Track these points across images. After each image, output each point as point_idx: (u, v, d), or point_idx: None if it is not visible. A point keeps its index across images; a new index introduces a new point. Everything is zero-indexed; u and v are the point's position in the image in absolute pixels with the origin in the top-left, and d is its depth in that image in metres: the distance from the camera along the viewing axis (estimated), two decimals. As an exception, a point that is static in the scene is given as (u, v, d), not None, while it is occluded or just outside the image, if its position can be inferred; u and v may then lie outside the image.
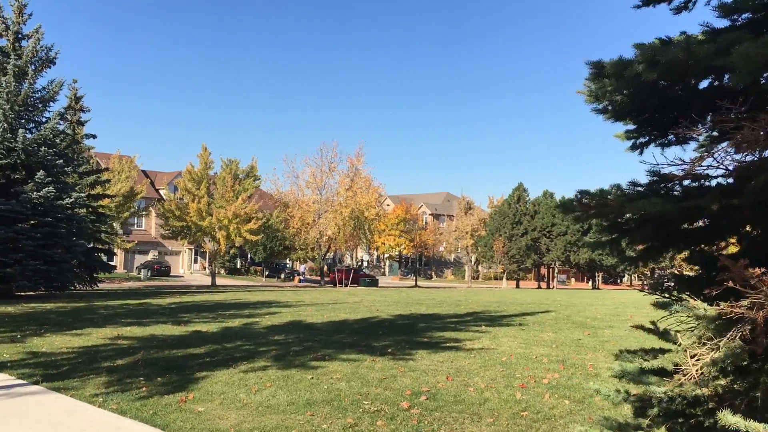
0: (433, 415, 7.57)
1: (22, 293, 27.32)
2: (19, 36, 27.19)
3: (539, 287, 75.06)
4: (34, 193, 25.32)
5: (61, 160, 27.08)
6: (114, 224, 48.55)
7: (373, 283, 60.05)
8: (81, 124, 36.85)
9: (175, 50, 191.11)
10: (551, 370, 10.54)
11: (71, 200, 26.73)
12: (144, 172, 75.14)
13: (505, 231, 70.48)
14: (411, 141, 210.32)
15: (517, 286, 72.35)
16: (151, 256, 71.35)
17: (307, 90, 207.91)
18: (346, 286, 52.81)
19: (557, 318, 19.40)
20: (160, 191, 71.52)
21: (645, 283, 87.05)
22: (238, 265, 75.42)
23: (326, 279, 61.35)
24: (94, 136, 38.04)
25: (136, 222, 70.56)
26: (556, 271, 77.18)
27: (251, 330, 15.50)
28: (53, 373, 9.91)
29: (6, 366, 10.34)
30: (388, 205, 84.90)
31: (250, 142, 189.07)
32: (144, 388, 8.82)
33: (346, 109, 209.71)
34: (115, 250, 65.92)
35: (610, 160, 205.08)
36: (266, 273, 70.65)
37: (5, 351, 11.77)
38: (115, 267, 50.26)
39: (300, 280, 67.08)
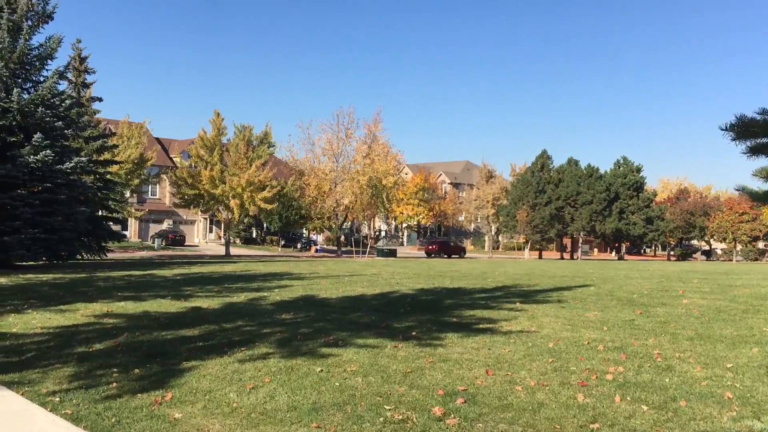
0: (476, 428, 5.79)
1: (23, 263, 25.96)
2: (13, -11, 25.35)
3: (562, 258, 73.04)
4: (32, 156, 23.73)
5: (61, 122, 25.41)
6: (124, 192, 47.15)
7: (392, 253, 58.40)
8: (86, 86, 35.27)
9: (189, 15, 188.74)
10: (611, 360, 8.71)
11: (72, 165, 25.09)
12: (158, 139, 73.72)
13: (528, 200, 68.27)
14: (430, 108, 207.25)
15: (540, 257, 70.38)
16: (166, 225, 70.29)
17: (323, 53, 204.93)
18: (363, 256, 51.17)
19: (598, 293, 17.51)
20: (174, 159, 70.05)
21: (673, 253, 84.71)
22: (254, 235, 74.16)
23: (343, 249, 59.79)
24: (100, 99, 36.53)
25: (149, 190, 69.38)
26: (581, 241, 74.99)
27: (257, 307, 13.80)
28: (14, 361, 8.28)
29: (-39, 352, 8.73)
30: (407, 173, 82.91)
31: (265, 108, 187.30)
32: (114, 384, 7.14)
33: (363, 73, 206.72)
34: (129, 219, 64.93)
35: (635, 126, 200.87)
36: (282, 243, 69.31)
37: (-29, 331, 10.19)
38: (125, 236, 49.12)
39: (316, 250, 65.67)
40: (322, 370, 7.84)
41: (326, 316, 12.32)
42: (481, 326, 11.42)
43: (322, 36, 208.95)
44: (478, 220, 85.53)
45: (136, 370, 7.79)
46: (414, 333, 10.48)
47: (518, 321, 12.05)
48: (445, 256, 62.00)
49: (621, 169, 74.03)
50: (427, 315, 12.73)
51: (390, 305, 14.34)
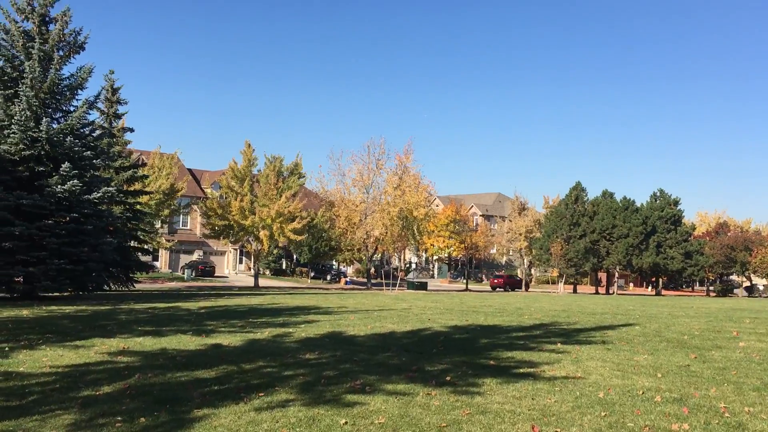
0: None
1: (48, 294, 25.62)
2: (46, 19, 25.48)
3: (597, 292, 71.14)
4: (59, 186, 23.49)
5: (90, 152, 25.20)
6: (154, 222, 47.09)
7: (422, 286, 57.35)
8: (118, 116, 35.32)
9: (220, 48, 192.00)
10: (673, 415, 7.71)
11: (99, 195, 24.80)
12: (190, 170, 74.20)
13: (562, 233, 66.80)
14: (461, 140, 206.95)
15: (574, 291, 68.59)
16: (196, 256, 70.29)
17: (354, 86, 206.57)
18: (393, 288, 50.23)
19: (645, 334, 16.36)
20: (205, 190, 70.30)
21: (713, 288, 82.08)
22: (284, 266, 73.73)
23: (372, 281, 58.97)
24: (132, 130, 36.53)
25: (180, 221, 69.58)
26: (616, 275, 73.00)
27: (280, 345, 13.02)
28: (13, 405, 7.59)
29: (-41, 394, 8.08)
30: (437, 205, 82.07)
31: (295, 139, 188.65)
32: (115, 436, 6.41)
33: (394, 106, 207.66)
34: (160, 250, 65.01)
35: (671, 159, 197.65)
36: (312, 274, 68.72)
37: (-24, 370, 9.58)
38: (153, 267, 48.96)
39: (346, 282, 64.89)
40: (346, 423, 7.01)
41: (353, 356, 11.48)
42: (521, 370, 10.47)
43: (355, 67, 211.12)
44: (510, 253, 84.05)
45: (142, 419, 7.04)
46: (448, 378, 9.59)
47: (562, 365, 11.07)
48: (510, 289, 67.98)
49: (658, 201, 72.26)
50: (461, 356, 11.81)
51: (421, 344, 13.45)
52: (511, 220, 76.33)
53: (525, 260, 77.24)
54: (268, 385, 8.87)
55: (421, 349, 12.73)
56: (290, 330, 15.57)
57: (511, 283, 70.28)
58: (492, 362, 11.18)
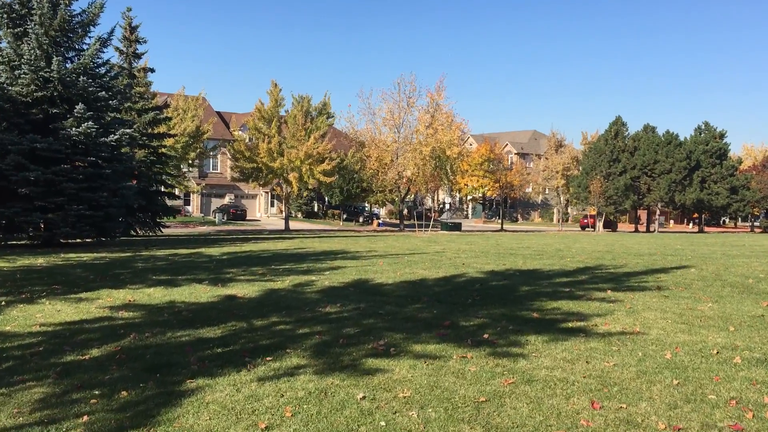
0: None
1: (70, 241, 24.93)
2: (52, -49, 23.93)
3: (636, 230, 69.04)
4: (74, 129, 22.43)
5: (104, 93, 24.00)
6: (181, 166, 46.25)
7: (456, 227, 56.02)
8: (137, 56, 33.98)
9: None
10: (762, 383, 6.36)
11: (116, 137, 23.72)
12: (219, 113, 73.11)
13: (601, 170, 64.41)
14: (495, 77, 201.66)
15: (614, 230, 66.60)
16: (228, 199, 69.84)
17: (384, 19, 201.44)
18: (426, 230, 49.01)
19: (703, 277, 14.87)
20: (233, 133, 69.26)
21: (758, 224, 79.16)
22: (315, 209, 72.99)
23: (405, 223, 57.86)
24: (152, 70, 35.22)
25: (210, 164, 68.95)
26: (657, 213, 70.64)
27: (299, 295, 11.87)
28: (-18, 374, 6.57)
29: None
30: (471, 144, 79.94)
31: (324, 79, 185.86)
32: (85, 418, 5.31)
33: (425, 40, 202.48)
34: (191, 194, 64.63)
35: (715, 90, 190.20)
36: (344, 217, 67.85)
37: (-41, 329, 8.62)
38: (179, 211, 48.41)
39: (378, 224, 63.91)
40: (364, 397, 5.81)
41: (378, 309, 10.28)
42: (569, 325, 9.15)
43: (384, 6, 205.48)
44: (546, 192, 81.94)
45: (123, 393, 5.94)
46: (486, 335, 8.32)
47: (615, 317, 9.72)
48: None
49: (702, 135, 69.04)
50: (500, 307, 10.53)
51: (455, 293, 12.18)
52: (547, 158, 73.99)
53: (561, 198, 75.19)
54: (278, 346, 7.71)
55: (454, 299, 11.47)
56: (313, 278, 14.44)
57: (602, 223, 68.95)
58: (535, 314, 9.87)
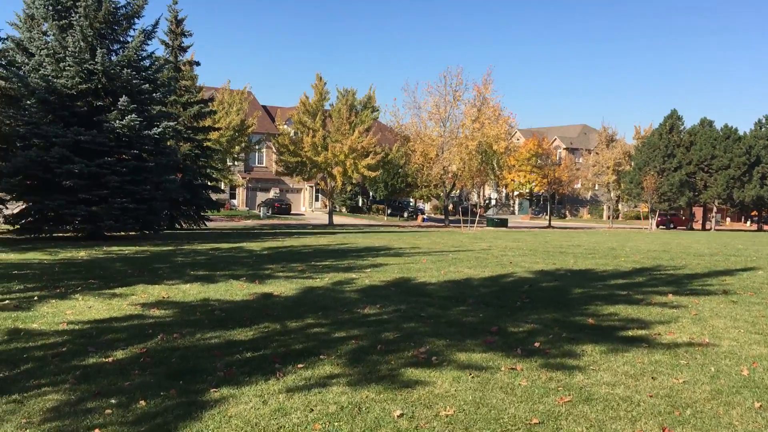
0: None
1: (114, 234, 24.97)
2: (97, -57, 23.91)
3: (691, 228, 66.70)
4: (117, 121, 22.38)
5: (148, 85, 23.91)
6: (226, 160, 46.35)
7: (502, 223, 54.92)
8: (183, 49, 34.01)
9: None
10: None
11: (159, 130, 23.61)
12: (265, 107, 73.37)
13: (654, 165, 62.29)
14: (544, 70, 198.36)
15: (668, 227, 64.44)
16: (273, 193, 70.07)
17: (430, 11, 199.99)
18: (472, 226, 48.08)
19: (773, 281, 13.82)
20: (278, 126, 69.37)
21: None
22: (360, 204, 72.69)
23: (450, 218, 56.99)
24: (198, 63, 35.25)
25: (256, 158, 69.22)
26: (714, 210, 68.07)
27: (338, 295, 11.33)
28: (-1, 377, 6.19)
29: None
30: (518, 139, 78.46)
31: (369, 72, 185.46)
32: (96, 431, 4.84)
33: (473, 33, 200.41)
34: (237, 188, 65.02)
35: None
36: (388, 211, 67.34)
37: (-15, 326, 8.34)
38: (224, 204, 48.60)
39: (423, 220, 63.20)
40: (402, 414, 5.21)
41: (421, 312, 9.66)
42: (630, 333, 8.38)
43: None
44: (596, 188, 79.89)
45: (142, 403, 5.47)
46: (537, 344, 7.63)
47: (680, 325, 8.89)
48: (673, 227, 64.96)
49: (763, 129, 66.15)
50: (552, 311, 9.79)
51: (503, 295, 11.47)
52: (597, 153, 72.04)
53: (612, 195, 73.20)
54: (311, 351, 7.17)
55: (502, 301, 10.77)
56: (353, 276, 13.90)
57: (678, 222, 67.75)
58: (591, 320, 9.11)
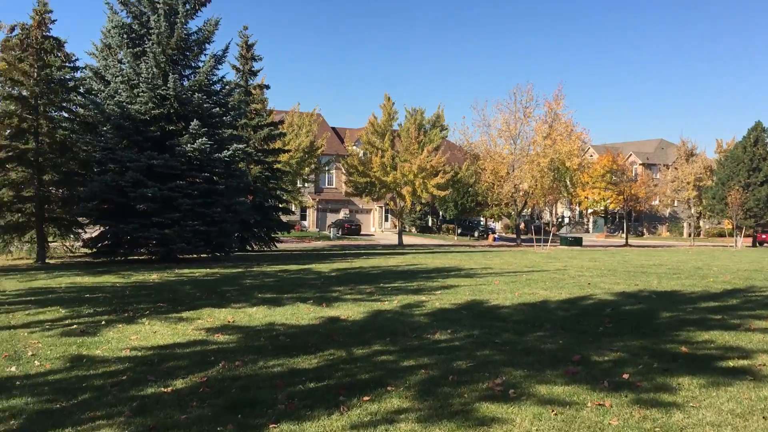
0: None
1: (188, 256, 25.28)
2: (171, -28, 24.56)
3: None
4: (189, 145, 22.73)
5: (218, 109, 24.24)
6: (296, 181, 46.76)
7: (577, 242, 53.23)
8: (253, 73, 34.52)
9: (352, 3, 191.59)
10: None
11: (229, 153, 23.85)
12: (334, 129, 74.08)
13: (739, 179, 59.24)
14: (617, 83, 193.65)
15: (754, 245, 61.05)
16: (342, 214, 70.36)
17: (498, 27, 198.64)
18: (545, 245, 46.73)
19: None
20: (347, 147, 69.84)
21: None
22: (430, 223, 72.14)
23: (522, 237, 55.65)
24: (267, 87, 35.81)
25: (326, 179, 69.76)
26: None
27: (407, 318, 10.83)
28: (52, 409, 5.97)
29: (13, 386, 6.63)
30: (591, 155, 76.24)
31: (437, 91, 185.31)
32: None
33: (543, 50, 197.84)
34: (308, 209, 65.63)
35: None
36: (458, 231, 66.48)
37: (52, 351, 8.25)
38: (293, 226, 48.89)
39: (494, 239, 62.02)
40: (478, 461, 4.65)
41: (495, 338, 9.04)
42: (730, 363, 7.53)
43: (496, 13, 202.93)
44: (675, 204, 76.67)
45: (195, 440, 5.12)
46: (626, 375, 6.91)
47: (788, 355, 7.96)
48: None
49: None
50: (638, 338, 9.00)
51: (582, 319, 10.70)
52: (676, 168, 69.22)
53: (693, 211, 70.05)
54: (378, 382, 6.70)
55: (582, 326, 10.02)
56: (423, 298, 13.37)
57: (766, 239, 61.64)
58: (684, 349, 8.28)
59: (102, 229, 24.38)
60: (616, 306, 12.28)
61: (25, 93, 23.30)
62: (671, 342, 8.75)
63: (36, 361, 7.70)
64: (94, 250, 24.08)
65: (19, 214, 23.86)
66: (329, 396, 6.25)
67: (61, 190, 24.98)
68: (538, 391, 6.33)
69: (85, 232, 26.33)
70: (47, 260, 24.19)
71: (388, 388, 6.45)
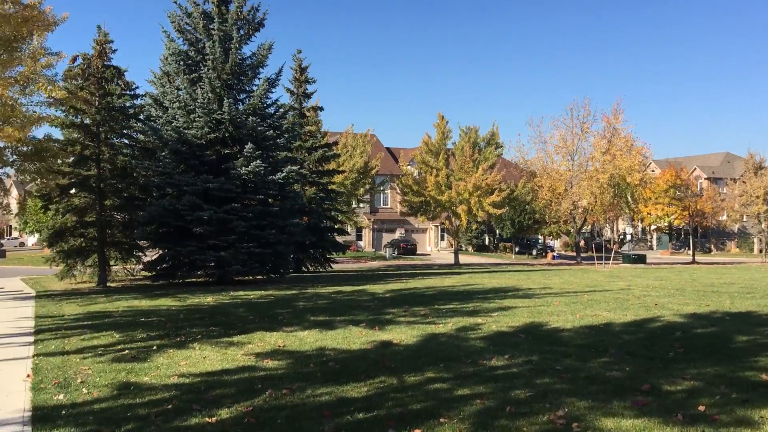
0: None
1: (244, 278, 25.39)
2: (225, -2, 25.02)
3: None
4: (243, 168, 22.91)
5: (272, 131, 24.40)
6: (352, 202, 46.81)
7: (640, 259, 51.48)
8: (307, 96, 34.80)
9: (406, 21, 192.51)
10: None
11: (283, 175, 23.93)
12: (389, 149, 74.19)
13: (812, 192, 56.46)
14: (678, 95, 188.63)
15: (831, 261, 57.83)
16: (398, 234, 70.09)
17: (555, 43, 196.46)
18: (607, 263, 45.33)
19: None
20: (402, 167, 69.71)
21: None
22: (486, 242, 71.16)
23: (582, 255, 54.18)
24: (321, 108, 35.99)
25: (381, 200, 69.77)
26: None
27: (462, 343, 10.40)
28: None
29: (59, 415, 6.51)
30: (653, 170, 74.04)
31: (491, 108, 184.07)
32: None
33: (599, 64, 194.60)
34: (363, 229, 65.68)
35: None
36: (516, 249, 65.31)
37: (101, 378, 8.16)
38: (348, 247, 48.82)
39: (553, 257, 60.62)
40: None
41: (555, 364, 8.53)
42: (819, 394, 6.84)
43: (552, 29, 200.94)
44: (745, 219, 73.53)
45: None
46: (702, 407, 6.33)
47: None
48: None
49: None
50: (713, 365, 8.34)
51: (650, 344, 10.05)
52: (744, 182, 66.40)
53: (764, 226, 66.95)
54: (430, 413, 6.31)
55: (650, 351, 9.40)
56: (479, 321, 12.90)
57: None
58: (764, 376, 7.62)
59: (161, 252, 24.73)
60: (687, 329, 11.55)
61: (87, 121, 23.95)
62: (750, 369, 8.08)
63: (84, 389, 7.61)
64: (154, 273, 24.43)
65: (82, 239, 24.43)
66: (378, 428, 5.91)
67: (122, 215, 25.52)
68: (605, 425, 5.84)
69: (146, 256, 26.79)
70: (109, 283, 24.67)
71: (441, 420, 6.07)
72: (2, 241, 77.91)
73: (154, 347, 10.36)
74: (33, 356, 9.81)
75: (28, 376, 8.41)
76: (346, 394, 7.15)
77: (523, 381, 7.59)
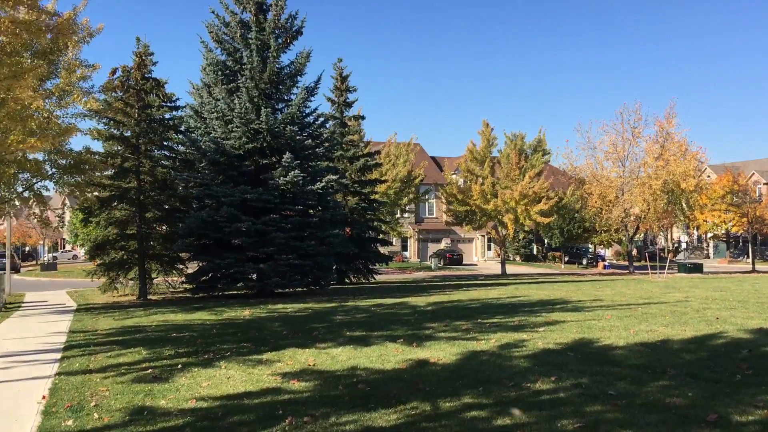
0: None
1: (284, 290, 24.96)
2: (263, 7, 24.79)
3: None
4: (281, 178, 22.52)
5: (311, 141, 23.97)
6: (394, 212, 46.17)
7: (697, 268, 49.38)
8: (348, 105, 34.40)
9: (450, 29, 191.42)
10: None
11: (322, 185, 23.47)
12: (433, 158, 73.48)
13: None
14: (734, 97, 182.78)
15: None
16: (444, 244, 69.22)
17: (602, 44, 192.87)
18: (662, 272, 43.55)
19: None
20: (447, 176, 68.86)
21: None
22: (534, 251, 69.60)
23: (635, 264, 52.27)
24: (363, 117, 35.58)
25: (426, 209, 69.02)
26: None
27: (504, 362, 9.61)
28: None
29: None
30: (709, 176, 71.39)
31: (537, 114, 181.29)
32: None
33: (651, 66, 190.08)
34: (408, 239, 64.98)
35: None
36: (565, 259, 63.63)
37: (117, 400, 7.69)
38: (391, 258, 48.14)
39: (604, 267, 58.81)
40: None
41: (607, 387, 7.69)
42: None
43: (601, 31, 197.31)
44: (809, 225, 70.13)
45: None
46: (781, 444, 5.45)
47: None
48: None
49: None
50: (789, 390, 7.38)
51: (714, 363, 9.10)
52: (808, 186, 63.38)
53: (829, 233, 63.71)
54: (463, 449, 5.59)
55: (714, 372, 8.46)
56: (524, 336, 12.07)
57: None
58: None
59: (201, 264, 24.51)
60: (754, 346, 10.51)
61: (127, 133, 23.95)
62: (833, 396, 7.10)
63: (96, 413, 7.14)
64: (194, 285, 24.20)
65: (123, 252, 24.39)
66: (404, 466, 5.23)
67: (162, 227, 25.43)
68: (666, 466, 5.03)
69: (188, 268, 26.64)
70: (149, 296, 24.56)
71: (476, 457, 5.35)
72: (56, 255, 79.88)
73: (179, 365, 9.88)
74: (55, 375, 9.45)
75: (43, 397, 8.01)
76: (372, 423, 6.49)
77: (572, 408, 6.80)
